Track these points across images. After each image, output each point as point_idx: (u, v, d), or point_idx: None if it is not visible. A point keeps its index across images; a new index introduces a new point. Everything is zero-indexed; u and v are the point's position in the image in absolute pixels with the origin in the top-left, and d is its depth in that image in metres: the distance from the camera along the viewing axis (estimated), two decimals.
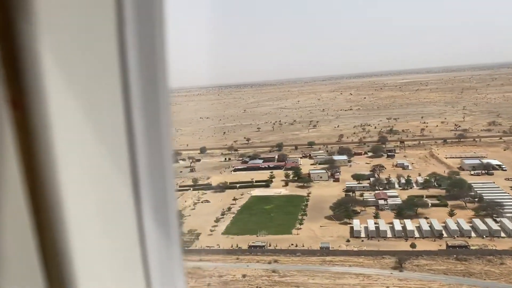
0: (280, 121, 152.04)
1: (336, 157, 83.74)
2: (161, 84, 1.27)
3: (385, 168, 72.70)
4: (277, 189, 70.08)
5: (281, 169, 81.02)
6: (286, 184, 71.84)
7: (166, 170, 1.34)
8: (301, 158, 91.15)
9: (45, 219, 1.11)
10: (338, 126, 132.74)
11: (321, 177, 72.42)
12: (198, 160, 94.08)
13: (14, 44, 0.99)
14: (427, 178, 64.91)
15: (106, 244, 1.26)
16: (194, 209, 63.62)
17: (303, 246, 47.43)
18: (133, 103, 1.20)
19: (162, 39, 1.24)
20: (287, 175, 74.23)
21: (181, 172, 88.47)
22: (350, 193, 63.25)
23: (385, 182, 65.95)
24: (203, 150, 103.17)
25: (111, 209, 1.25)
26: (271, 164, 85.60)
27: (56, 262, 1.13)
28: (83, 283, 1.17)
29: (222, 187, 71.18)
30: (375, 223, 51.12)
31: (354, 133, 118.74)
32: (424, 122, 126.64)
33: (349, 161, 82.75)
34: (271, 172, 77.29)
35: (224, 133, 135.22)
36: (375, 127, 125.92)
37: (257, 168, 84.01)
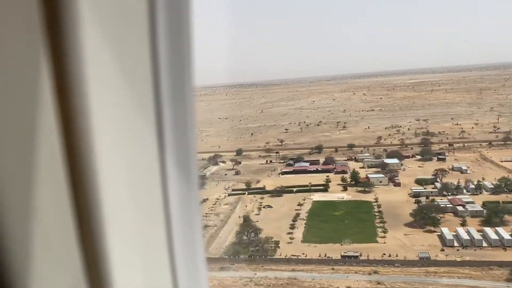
0: (305, 122, 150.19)
1: (387, 160, 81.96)
2: (187, 80, 1.31)
3: (448, 173, 71.02)
4: (337, 194, 68.17)
5: (331, 172, 79.13)
6: (345, 189, 69.91)
7: (191, 165, 1.38)
8: (346, 161, 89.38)
9: (83, 205, 1.14)
10: (368, 128, 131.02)
11: (380, 182, 70.64)
12: (239, 163, 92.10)
13: (59, 32, 1.01)
14: (498, 183, 63.31)
15: (134, 223, 1.28)
16: (258, 214, 61.69)
17: (397, 256, 45.60)
18: (163, 95, 1.22)
19: (190, 35, 1.28)
20: (343, 179, 72.37)
21: (225, 175, 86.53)
22: (419, 199, 61.59)
23: (454, 187, 64.27)
24: (239, 152, 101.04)
25: (142, 198, 1.29)
26: (319, 167, 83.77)
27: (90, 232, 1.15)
28: (114, 262, 1.19)
29: (279, 192, 69.24)
30: (466, 231, 49.39)
31: (390, 135, 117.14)
32: (457, 124, 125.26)
33: (401, 165, 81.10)
34: (327, 176, 75.32)
35: (252, 134, 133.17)
36: (408, 129, 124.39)
37: (305, 171, 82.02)
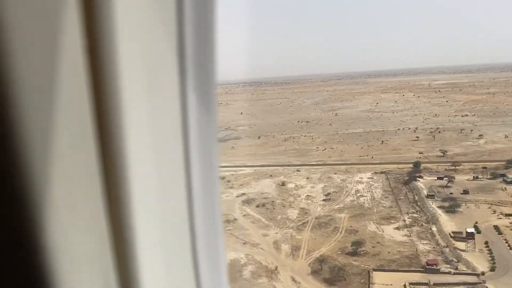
0: (416, 128, 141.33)
1: None
2: (211, 78, 1.35)
3: None
4: None
5: None
6: None
7: (213, 160, 1.43)
8: None
9: (116, 209, 1.16)
10: (507, 136, 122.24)
11: None
12: (452, 178, 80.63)
13: (95, 32, 1.04)
14: None
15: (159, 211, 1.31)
16: None
17: None
18: (189, 93, 1.27)
19: (214, 34, 1.31)
20: None
21: (451, 193, 75.79)
22: None
23: None
24: (417, 165, 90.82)
25: (168, 205, 1.32)
26: None
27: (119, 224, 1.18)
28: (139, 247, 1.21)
29: None
30: None
31: None
32: None
33: None
34: None
35: (382, 142, 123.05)
36: None
37: None
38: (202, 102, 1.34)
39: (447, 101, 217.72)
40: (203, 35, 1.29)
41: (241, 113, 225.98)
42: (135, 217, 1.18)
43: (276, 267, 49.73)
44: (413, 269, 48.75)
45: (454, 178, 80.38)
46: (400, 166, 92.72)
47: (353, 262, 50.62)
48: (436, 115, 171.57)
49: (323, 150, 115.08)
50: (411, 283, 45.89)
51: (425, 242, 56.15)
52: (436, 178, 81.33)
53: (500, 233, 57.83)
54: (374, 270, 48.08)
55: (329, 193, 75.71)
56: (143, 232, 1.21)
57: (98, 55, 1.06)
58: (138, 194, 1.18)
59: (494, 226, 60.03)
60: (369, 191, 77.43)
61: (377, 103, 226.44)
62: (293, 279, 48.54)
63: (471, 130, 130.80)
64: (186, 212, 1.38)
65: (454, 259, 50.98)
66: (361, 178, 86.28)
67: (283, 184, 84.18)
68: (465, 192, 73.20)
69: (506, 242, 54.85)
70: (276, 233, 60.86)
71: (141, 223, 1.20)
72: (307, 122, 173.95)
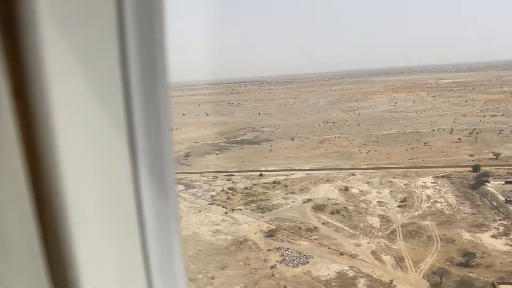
0: (452, 129, 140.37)
1: None
2: (161, 77, 1.30)
3: None
4: None
5: None
6: None
7: (166, 162, 1.40)
8: None
9: (47, 209, 1.13)
10: None
11: None
12: None
13: (17, 33, 1.00)
14: None
15: (106, 227, 1.28)
16: None
17: None
18: (133, 95, 1.23)
19: (162, 29, 1.27)
20: None
21: None
22: None
23: None
24: (477, 169, 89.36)
25: (113, 201, 1.28)
26: None
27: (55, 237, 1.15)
28: (82, 264, 1.18)
29: None
30: None
31: None
32: None
33: None
34: None
35: (425, 144, 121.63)
36: None
37: None
38: (149, 104, 1.29)
39: (466, 101, 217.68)
40: (147, 34, 1.23)
41: (259, 114, 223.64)
42: (70, 216, 1.14)
43: (391, 281, 47.91)
44: None
45: None
46: (458, 169, 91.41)
47: (470, 274, 48.97)
48: (463, 115, 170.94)
49: (367, 153, 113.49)
50: None
51: None
52: (504, 183, 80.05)
53: None
54: (498, 283, 46.47)
55: (403, 199, 74.04)
56: (81, 232, 1.17)
57: (23, 53, 1.00)
58: (73, 192, 1.14)
59: None
60: (441, 197, 75.94)
61: (395, 103, 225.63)
62: None
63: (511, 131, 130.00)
64: (135, 211, 1.33)
65: None
66: (424, 182, 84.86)
67: (346, 189, 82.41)
68: None
69: None
70: (368, 242, 59.04)
71: (78, 222, 1.16)
72: (333, 123, 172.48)
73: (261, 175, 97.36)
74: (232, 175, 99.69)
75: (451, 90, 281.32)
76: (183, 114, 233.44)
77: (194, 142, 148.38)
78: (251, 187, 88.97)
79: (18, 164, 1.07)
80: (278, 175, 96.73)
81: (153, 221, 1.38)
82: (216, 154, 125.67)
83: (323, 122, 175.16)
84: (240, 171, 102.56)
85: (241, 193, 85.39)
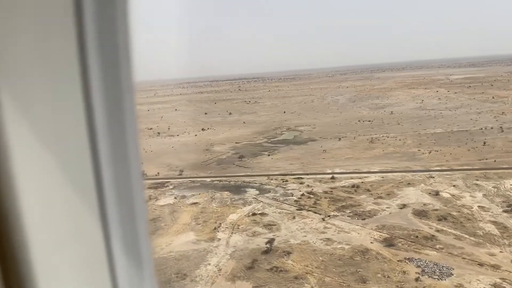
0: (501, 128, 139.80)
1: None
2: (125, 84, 1.29)
3: None
4: None
5: None
6: None
7: (134, 188, 1.38)
8: None
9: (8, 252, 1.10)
10: None
11: None
12: None
13: None
14: None
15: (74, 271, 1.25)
16: None
17: None
18: (94, 94, 1.21)
19: (126, 36, 1.24)
20: None
21: None
22: None
23: None
24: None
25: (78, 238, 1.26)
26: None
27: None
28: None
29: None
30: None
31: None
32: None
33: None
34: None
35: (485, 143, 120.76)
36: None
37: None
38: (111, 101, 1.27)
39: (493, 98, 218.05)
40: (108, 33, 1.19)
41: (284, 112, 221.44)
42: (24, 217, 1.10)
43: None
44: None
45: None
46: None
47: None
48: (502, 113, 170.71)
49: (429, 153, 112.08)
50: None
51: None
52: None
53: None
54: None
55: (509, 204, 72.54)
56: (36, 233, 1.14)
57: None
58: (25, 193, 1.09)
59: None
60: None
61: (422, 101, 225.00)
62: None
63: None
64: (98, 211, 1.30)
65: None
66: None
67: (436, 193, 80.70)
68: None
69: None
70: (501, 251, 57.40)
71: (34, 223, 1.12)
72: (369, 121, 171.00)
73: (333, 178, 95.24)
74: (301, 178, 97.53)
75: (469, 86, 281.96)
76: (205, 113, 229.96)
77: (236, 143, 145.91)
78: (331, 191, 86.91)
79: None
80: (351, 178, 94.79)
81: (118, 219, 1.34)
82: (268, 155, 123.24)
83: (358, 121, 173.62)
84: (306, 174, 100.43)
85: (324, 197, 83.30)
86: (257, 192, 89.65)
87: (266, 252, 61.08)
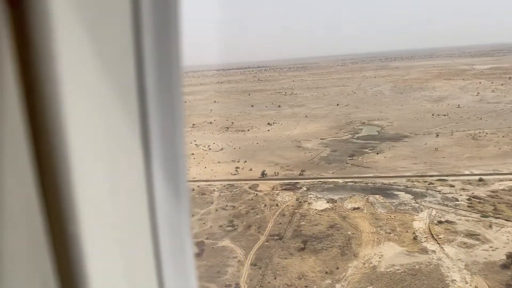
0: None
1: None
2: (175, 70, 1.31)
3: None
4: None
5: None
6: None
7: (177, 134, 1.40)
8: None
9: (55, 207, 1.13)
10: None
11: None
12: None
13: (28, 30, 0.99)
14: None
15: (114, 216, 1.27)
16: None
17: None
18: (148, 90, 1.23)
19: (178, 31, 1.27)
20: None
21: None
22: None
23: None
24: None
25: (128, 238, 1.29)
26: None
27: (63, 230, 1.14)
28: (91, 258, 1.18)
29: None
30: None
31: None
32: None
33: None
34: None
35: None
36: None
37: None
38: (163, 99, 1.29)
39: None
40: (163, 28, 1.22)
41: (337, 105, 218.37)
42: (79, 216, 1.13)
43: None
44: None
45: None
46: None
47: None
48: None
49: None
50: None
51: None
52: None
53: None
54: None
55: None
56: (90, 232, 1.17)
57: (35, 51, 0.99)
58: (83, 190, 1.13)
59: None
60: None
61: (477, 93, 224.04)
62: None
63: None
64: (147, 213, 1.33)
65: None
66: None
67: None
68: None
69: None
70: None
71: (87, 223, 1.15)
72: (444, 115, 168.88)
73: (481, 180, 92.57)
74: (445, 180, 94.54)
75: (510, 77, 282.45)
76: (252, 106, 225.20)
77: (321, 139, 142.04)
78: (495, 195, 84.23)
79: (27, 163, 1.06)
80: (500, 180, 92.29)
81: (165, 220, 1.38)
82: (377, 153, 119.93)
83: (432, 115, 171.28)
84: (445, 175, 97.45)
85: (498, 202, 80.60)
86: (411, 196, 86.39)
87: (506, 266, 58.09)
